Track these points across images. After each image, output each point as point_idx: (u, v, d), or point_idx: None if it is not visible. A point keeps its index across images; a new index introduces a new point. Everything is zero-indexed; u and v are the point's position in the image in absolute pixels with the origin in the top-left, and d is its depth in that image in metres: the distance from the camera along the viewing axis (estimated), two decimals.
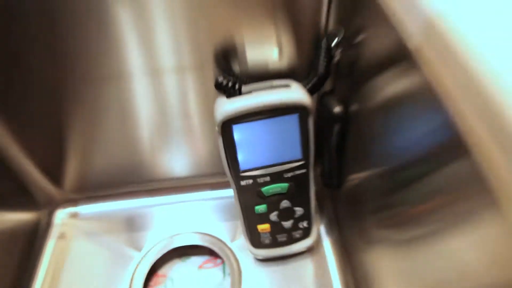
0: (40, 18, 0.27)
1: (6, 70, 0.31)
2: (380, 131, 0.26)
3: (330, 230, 0.40)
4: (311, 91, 0.32)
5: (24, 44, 0.29)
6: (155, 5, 0.27)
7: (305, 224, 0.36)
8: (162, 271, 0.42)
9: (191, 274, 0.41)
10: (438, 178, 0.19)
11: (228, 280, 0.40)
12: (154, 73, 0.32)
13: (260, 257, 0.38)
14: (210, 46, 0.31)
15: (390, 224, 0.26)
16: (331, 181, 0.36)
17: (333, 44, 0.29)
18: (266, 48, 0.32)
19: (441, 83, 0.16)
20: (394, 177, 0.25)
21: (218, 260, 0.42)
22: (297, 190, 0.33)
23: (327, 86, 0.33)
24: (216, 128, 0.30)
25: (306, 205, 0.35)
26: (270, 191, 0.33)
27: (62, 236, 0.42)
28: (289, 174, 0.32)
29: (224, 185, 0.41)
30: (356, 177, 0.33)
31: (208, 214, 0.43)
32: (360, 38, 0.27)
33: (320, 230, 0.40)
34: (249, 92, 0.30)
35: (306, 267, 0.38)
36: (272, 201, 0.34)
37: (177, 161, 0.42)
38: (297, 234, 0.36)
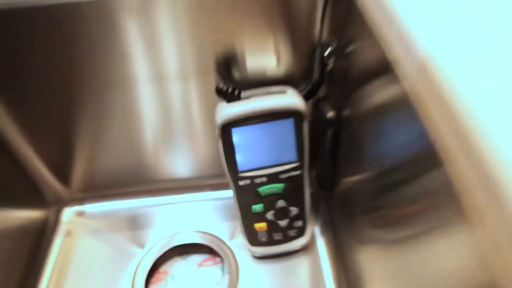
0: (52, 29, 0.29)
1: (22, 78, 0.33)
2: (369, 136, 0.28)
3: (324, 230, 0.42)
4: (306, 97, 0.34)
5: (39, 54, 0.31)
6: (161, 16, 0.30)
7: (300, 223, 0.37)
8: (163, 268, 0.43)
9: (191, 271, 0.43)
10: (419, 183, 0.20)
11: (226, 278, 0.41)
12: (159, 79, 0.34)
13: (257, 255, 0.40)
14: (212, 55, 0.33)
15: (380, 225, 0.28)
16: (325, 183, 0.38)
17: (326, 53, 0.31)
18: (265, 57, 0.34)
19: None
20: (382, 180, 0.26)
21: (218, 259, 0.44)
22: (292, 191, 0.35)
23: (321, 92, 0.35)
24: (216, 131, 0.32)
25: (301, 205, 0.36)
26: (267, 191, 0.35)
27: (68, 233, 0.44)
28: (285, 175, 0.34)
29: (224, 186, 0.43)
30: (349, 179, 0.34)
31: (209, 214, 0.45)
32: (351, 48, 0.29)
33: (314, 229, 0.42)
34: (248, 97, 0.32)
35: (301, 265, 0.40)
36: (269, 201, 0.36)
37: (179, 163, 0.44)
38: (292, 233, 0.38)
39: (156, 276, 0.43)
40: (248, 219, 0.37)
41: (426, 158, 0.19)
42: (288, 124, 0.32)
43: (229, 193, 0.37)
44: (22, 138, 0.38)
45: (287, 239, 0.38)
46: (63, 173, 0.43)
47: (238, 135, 0.32)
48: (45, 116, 0.37)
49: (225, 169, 0.34)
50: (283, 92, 0.32)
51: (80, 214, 0.46)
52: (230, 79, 0.35)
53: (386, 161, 0.25)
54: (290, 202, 0.36)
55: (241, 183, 0.34)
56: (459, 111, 0.15)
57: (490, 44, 0.16)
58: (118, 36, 0.30)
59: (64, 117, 0.37)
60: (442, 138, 0.17)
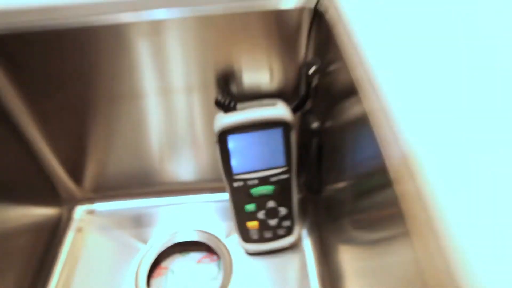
0: (74, 48, 0.34)
1: (47, 90, 0.37)
2: (347, 145, 0.31)
3: (311, 231, 0.46)
4: (294, 110, 0.38)
5: (62, 69, 0.36)
6: (170, 37, 0.34)
7: (288, 223, 0.41)
8: (164, 264, 0.47)
9: (190, 267, 0.47)
10: (385, 191, 0.22)
11: (222, 274, 0.45)
12: (165, 92, 0.39)
13: (249, 251, 0.44)
14: (213, 71, 0.37)
15: (358, 227, 0.31)
16: (312, 187, 0.42)
17: (310, 72, 0.35)
18: (259, 74, 0.38)
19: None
20: (358, 186, 0.30)
21: (215, 257, 0.47)
22: (281, 192, 0.39)
23: (308, 106, 0.39)
24: (214, 138, 0.37)
25: (289, 206, 0.40)
26: (258, 192, 0.39)
27: (79, 230, 0.48)
28: (275, 178, 0.39)
29: (222, 189, 0.46)
30: (333, 184, 0.38)
31: (207, 214, 0.49)
32: (332, 68, 0.33)
33: (302, 230, 0.46)
34: (243, 108, 0.37)
35: (289, 262, 0.43)
36: (260, 201, 0.40)
37: (181, 167, 0.48)
38: (281, 231, 0.42)
39: (158, 271, 0.47)
40: (241, 218, 0.41)
41: (381, 173, 0.21)
42: (277, 133, 0.37)
43: (227, 195, 0.41)
44: (44, 142, 0.43)
45: (276, 237, 0.42)
46: (77, 174, 0.47)
47: (233, 142, 0.37)
48: (63, 123, 0.41)
49: (221, 172, 0.39)
50: (274, 104, 0.37)
51: (91, 212, 0.50)
52: (228, 93, 0.39)
53: (360, 169, 0.28)
54: (279, 203, 0.40)
55: (235, 184, 0.39)
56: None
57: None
58: (130, 54, 0.35)
59: (80, 124, 0.42)
60: (392, 160, 0.20)
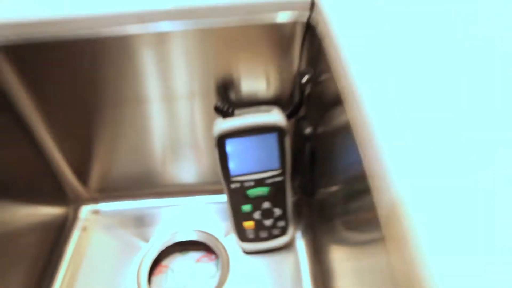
0: (83, 56, 0.37)
1: (56, 94, 0.40)
2: (337, 150, 0.33)
3: (306, 232, 0.48)
4: (289, 116, 0.40)
5: (71, 76, 0.38)
6: (173, 48, 0.37)
7: (282, 223, 0.44)
8: (164, 262, 0.49)
9: (189, 266, 0.49)
10: (366, 196, 0.23)
11: (220, 272, 0.47)
12: (168, 98, 0.41)
13: (246, 250, 0.46)
14: (213, 80, 0.40)
15: (348, 228, 0.33)
16: (306, 190, 0.45)
17: (303, 81, 0.38)
18: (256, 82, 0.41)
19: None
20: (348, 189, 0.31)
21: (213, 256, 0.49)
22: (276, 194, 0.42)
23: (302, 112, 0.41)
24: (213, 141, 0.39)
25: (283, 207, 0.43)
26: (254, 193, 0.41)
27: (84, 229, 0.51)
28: (270, 180, 0.41)
29: (220, 191, 0.49)
30: (325, 187, 0.40)
31: (207, 215, 0.51)
32: (323, 77, 0.35)
33: (296, 230, 0.48)
34: (240, 114, 0.39)
35: (283, 261, 0.46)
36: (256, 202, 0.42)
37: (182, 170, 0.51)
38: (276, 231, 0.44)
39: (158, 269, 0.49)
40: (238, 218, 0.43)
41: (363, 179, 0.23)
42: (272, 138, 0.39)
43: (225, 197, 0.43)
44: (53, 144, 0.45)
45: (271, 237, 0.44)
46: (83, 175, 0.50)
47: (231, 145, 0.39)
48: (72, 126, 0.44)
49: (220, 174, 0.41)
50: (269, 111, 0.39)
51: (95, 212, 0.52)
52: (227, 99, 0.42)
53: (348, 173, 0.30)
54: (274, 204, 0.42)
55: (232, 186, 0.41)
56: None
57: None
58: (135, 62, 0.38)
59: (87, 127, 0.44)
60: (371, 166, 0.22)
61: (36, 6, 0.34)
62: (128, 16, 0.35)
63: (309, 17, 0.35)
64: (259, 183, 0.41)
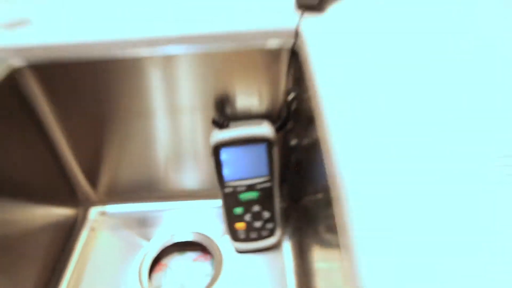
0: (99, 76, 0.42)
1: (74, 107, 0.46)
2: (316, 161, 0.38)
3: (293, 235, 0.52)
4: (278, 130, 0.46)
5: (87, 91, 0.44)
6: (178, 68, 0.42)
7: (271, 225, 0.48)
8: (164, 261, 0.54)
9: (186, 265, 0.53)
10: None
11: (214, 270, 0.52)
12: (172, 112, 0.47)
13: (238, 249, 0.51)
14: (212, 96, 0.45)
15: (328, 231, 0.35)
16: (294, 196, 0.49)
17: (289, 98, 0.43)
18: (249, 99, 0.46)
19: None
20: (325, 196, 0.35)
21: (208, 256, 0.54)
22: (265, 198, 0.47)
23: (290, 126, 0.47)
24: (210, 150, 0.44)
25: (271, 210, 0.48)
26: (246, 197, 0.46)
27: (92, 229, 0.56)
28: (260, 186, 0.46)
29: (217, 196, 0.52)
30: (310, 194, 0.45)
31: (204, 218, 0.56)
32: (305, 96, 0.41)
33: (284, 233, 0.53)
34: (235, 127, 0.45)
35: (271, 260, 0.50)
36: (247, 205, 0.47)
37: (183, 177, 0.56)
38: (264, 233, 0.49)
39: (158, 267, 0.53)
40: (231, 220, 0.48)
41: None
42: (262, 148, 0.44)
43: (221, 202, 0.48)
44: (68, 151, 0.50)
45: (260, 237, 0.49)
46: (93, 180, 0.55)
47: (225, 154, 0.44)
48: (85, 135, 0.49)
49: (216, 179, 0.46)
50: (260, 124, 0.45)
51: (103, 213, 0.57)
52: (223, 114, 0.47)
53: (324, 182, 0.34)
54: (264, 207, 0.47)
55: (226, 190, 0.46)
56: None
57: None
58: (144, 80, 0.43)
59: (99, 136, 0.49)
60: (331, 179, 0.26)
61: (59, 32, 0.40)
62: (139, 41, 0.40)
63: (294, 44, 0.40)
64: (250, 188, 0.46)
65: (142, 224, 0.56)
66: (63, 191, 0.53)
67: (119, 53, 0.41)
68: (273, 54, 0.42)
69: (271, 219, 0.48)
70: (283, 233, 0.52)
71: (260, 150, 0.44)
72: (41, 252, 0.49)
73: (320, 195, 0.37)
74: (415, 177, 0.24)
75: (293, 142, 0.44)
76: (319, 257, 0.40)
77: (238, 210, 0.47)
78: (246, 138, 0.43)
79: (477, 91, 0.30)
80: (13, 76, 0.41)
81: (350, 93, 0.30)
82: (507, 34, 0.36)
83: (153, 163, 0.54)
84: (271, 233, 0.49)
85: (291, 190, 0.50)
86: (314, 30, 0.38)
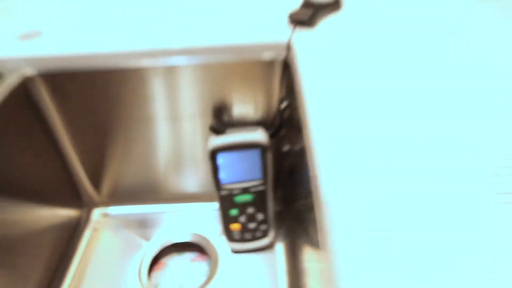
0: (105, 84, 0.45)
1: (81, 114, 0.49)
2: (306, 166, 0.41)
3: (286, 236, 0.55)
4: (272, 136, 0.49)
5: (93, 99, 0.47)
6: (180, 78, 0.45)
7: (264, 227, 0.51)
8: (163, 260, 0.56)
9: (184, 264, 0.56)
10: None
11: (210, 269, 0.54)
12: (173, 118, 0.50)
13: (233, 249, 0.53)
14: (211, 104, 0.48)
15: (317, 233, 0.39)
16: (287, 200, 0.52)
17: (282, 106, 0.46)
18: (245, 107, 0.49)
19: None
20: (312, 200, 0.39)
21: (206, 257, 0.56)
22: (259, 201, 0.49)
23: (283, 133, 0.50)
24: (207, 155, 0.47)
25: (265, 212, 0.50)
26: (241, 199, 0.49)
27: (95, 229, 0.58)
28: (254, 189, 0.48)
29: (215, 199, 0.54)
30: (301, 197, 0.48)
31: (202, 220, 0.58)
32: (296, 105, 0.44)
33: (277, 234, 0.55)
34: (231, 133, 0.47)
35: (265, 261, 0.52)
36: (242, 207, 0.50)
37: (182, 180, 0.58)
38: (258, 234, 0.51)
39: (157, 266, 0.56)
40: (227, 221, 0.51)
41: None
42: (256, 153, 0.47)
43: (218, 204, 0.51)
44: (74, 155, 0.53)
45: (254, 238, 0.52)
46: (97, 183, 0.58)
47: (222, 158, 0.47)
48: (90, 140, 0.52)
49: (212, 183, 0.49)
50: (254, 130, 0.48)
51: (105, 215, 0.60)
52: (221, 120, 0.50)
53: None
54: (258, 210, 0.50)
55: (222, 193, 0.49)
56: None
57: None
58: (147, 89, 0.47)
59: (103, 142, 0.52)
60: (313, 184, 0.29)
61: (68, 44, 0.43)
62: (143, 52, 0.44)
63: (286, 57, 0.43)
64: (245, 191, 0.48)
65: (143, 225, 0.58)
66: (68, 193, 0.56)
67: (124, 63, 0.44)
68: (268, 66, 0.45)
69: (265, 220, 0.51)
70: (276, 235, 0.55)
71: (254, 155, 0.47)
72: (46, 252, 0.51)
73: (309, 199, 0.40)
74: (394, 185, 0.26)
75: (286, 148, 0.47)
76: (310, 258, 0.42)
77: (234, 212, 0.50)
78: (241, 144, 0.46)
79: (463, 103, 0.33)
80: (25, 84, 0.44)
81: (335, 104, 0.33)
82: (505, 36, 0.39)
83: (154, 167, 0.56)
84: (264, 234, 0.52)
85: (284, 194, 0.52)
86: (304, 43, 0.41)
